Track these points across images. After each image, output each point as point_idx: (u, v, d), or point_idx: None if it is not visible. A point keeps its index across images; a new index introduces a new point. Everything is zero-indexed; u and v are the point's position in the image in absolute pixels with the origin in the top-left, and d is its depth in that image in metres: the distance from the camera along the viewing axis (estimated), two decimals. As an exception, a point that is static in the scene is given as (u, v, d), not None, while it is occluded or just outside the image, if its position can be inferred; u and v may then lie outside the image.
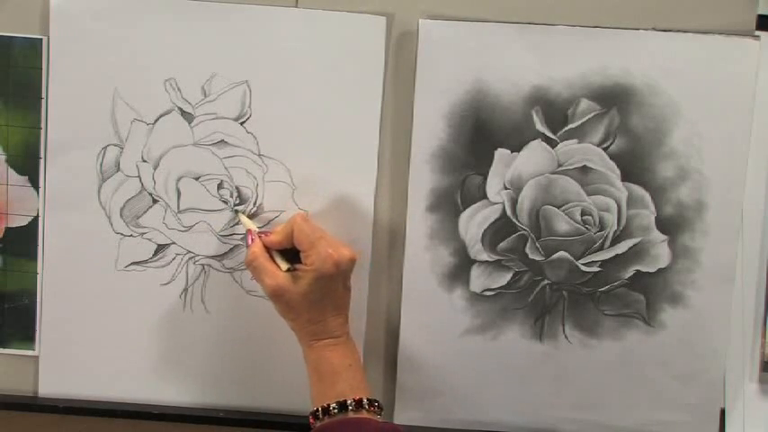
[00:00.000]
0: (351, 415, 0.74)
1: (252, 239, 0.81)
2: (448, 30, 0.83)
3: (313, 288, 0.75)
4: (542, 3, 0.83)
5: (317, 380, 0.77)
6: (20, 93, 0.85)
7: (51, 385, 0.88)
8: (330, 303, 0.77)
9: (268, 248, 0.79)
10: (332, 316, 0.77)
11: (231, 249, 0.86)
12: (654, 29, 0.83)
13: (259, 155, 0.85)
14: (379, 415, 0.76)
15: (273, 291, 0.76)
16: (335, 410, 0.74)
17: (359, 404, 0.75)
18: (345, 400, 0.74)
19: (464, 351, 0.86)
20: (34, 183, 0.86)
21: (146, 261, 0.86)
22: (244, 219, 0.84)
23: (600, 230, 0.84)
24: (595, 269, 0.85)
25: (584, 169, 0.84)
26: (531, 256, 0.85)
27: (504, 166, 0.84)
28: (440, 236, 0.85)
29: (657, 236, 0.84)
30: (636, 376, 0.86)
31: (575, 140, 0.84)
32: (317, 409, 0.75)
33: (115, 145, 0.85)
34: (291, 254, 0.79)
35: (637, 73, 0.83)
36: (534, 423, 0.87)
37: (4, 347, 0.88)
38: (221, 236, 0.86)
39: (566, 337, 0.86)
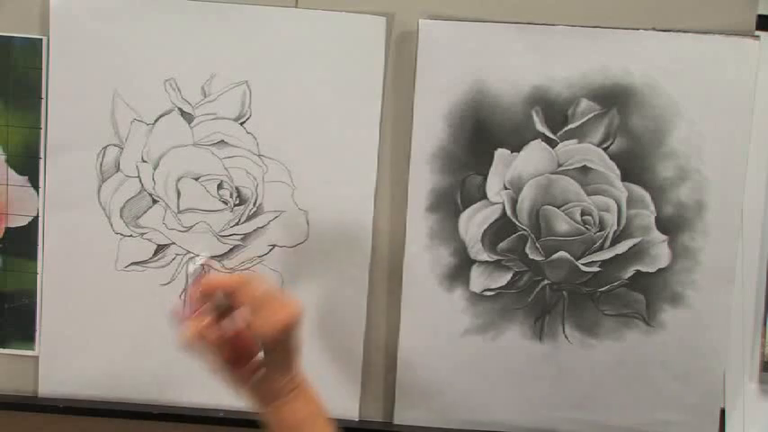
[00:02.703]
0: None
1: (191, 311, 0.69)
2: (448, 30, 0.83)
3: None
4: (542, 3, 0.83)
5: None
6: (20, 93, 0.85)
7: (51, 385, 0.88)
8: (276, 365, 0.69)
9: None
10: (279, 377, 0.70)
11: (231, 249, 0.86)
12: (654, 29, 0.83)
13: (259, 155, 0.85)
14: None
15: (218, 368, 0.69)
16: None
17: None
18: None
19: (464, 351, 0.86)
20: (34, 183, 0.86)
21: (146, 261, 0.86)
22: (196, 287, 0.70)
23: (600, 230, 0.85)
24: (595, 269, 0.85)
25: (584, 169, 0.84)
26: (531, 256, 0.85)
27: (504, 166, 0.84)
28: (440, 236, 0.85)
29: (657, 236, 0.84)
30: (636, 376, 0.86)
31: (575, 140, 0.84)
32: None
33: (115, 145, 0.85)
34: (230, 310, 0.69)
35: (637, 73, 0.83)
36: (534, 423, 0.87)
37: (4, 347, 0.88)
38: (221, 236, 0.86)
39: (566, 337, 0.86)
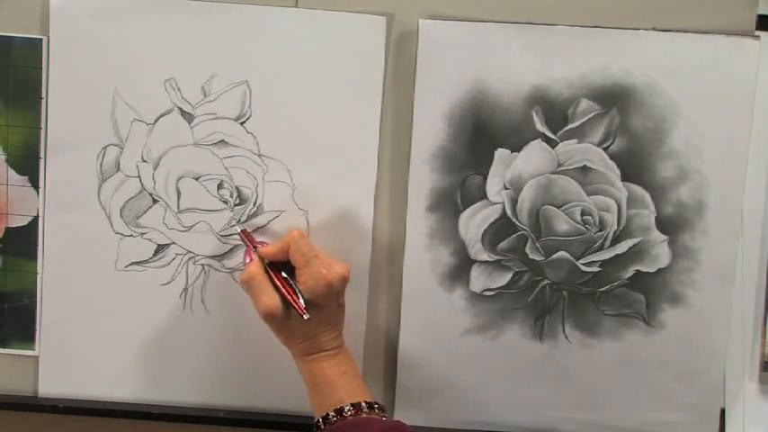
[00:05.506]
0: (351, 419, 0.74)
1: (250, 258, 0.80)
2: (448, 30, 0.83)
3: (306, 309, 0.76)
4: (542, 3, 0.83)
5: (314, 391, 0.77)
6: (20, 93, 0.85)
7: (51, 385, 0.88)
8: (323, 321, 0.77)
9: (265, 269, 0.79)
10: (325, 332, 0.78)
11: (231, 249, 0.86)
12: (654, 29, 0.83)
13: (259, 155, 0.85)
14: (384, 417, 0.76)
15: (269, 311, 0.76)
16: (335, 418, 0.74)
17: (357, 408, 0.75)
18: (343, 407, 0.75)
19: (464, 351, 0.86)
20: (34, 183, 0.86)
21: (146, 261, 0.86)
22: (243, 237, 0.83)
23: (600, 230, 0.85)
24: (595, 269, 0.85)
25: (584, 169, 0.84)
26: (531, 256, 0.85)
27: (504, 166, 0.84)
28: (440, 236, 0.85)
29: (657, 236, 0.84)
30: (636, 376, 0.86)
31: (575, 140, 0.84)
32: (318, 420, 0.76)
33: (115, 145, 0.85)
34: (285, 268, 0.79)
35: (637, 73, 0.83)
36: (534, 423, 0.87)
37: (4, 347, 0.88)
38: (221, 236, 0.86)
39: (566, 337, 0.86)
